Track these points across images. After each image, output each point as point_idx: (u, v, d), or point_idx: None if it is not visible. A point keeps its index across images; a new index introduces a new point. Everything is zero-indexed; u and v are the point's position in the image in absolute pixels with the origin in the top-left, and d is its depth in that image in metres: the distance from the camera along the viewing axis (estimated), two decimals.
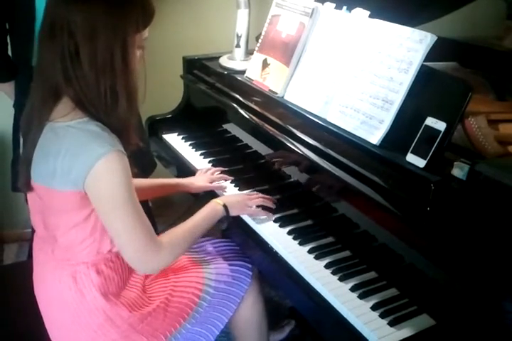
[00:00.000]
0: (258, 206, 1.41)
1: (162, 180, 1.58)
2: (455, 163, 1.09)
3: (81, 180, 1.08)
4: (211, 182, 1.57)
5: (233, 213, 1.38)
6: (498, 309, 0.95)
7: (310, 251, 1.27)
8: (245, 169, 1.66)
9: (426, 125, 1.14)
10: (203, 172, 1.62)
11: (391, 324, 1.06)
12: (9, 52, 1.82)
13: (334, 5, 1.47)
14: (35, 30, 1.67)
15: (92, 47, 1.05)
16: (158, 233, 1.22)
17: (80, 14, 1.04)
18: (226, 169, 1.64)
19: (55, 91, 1.11)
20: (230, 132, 1.78)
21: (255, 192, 1.48)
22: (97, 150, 1.06)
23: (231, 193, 1.53)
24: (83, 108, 1.10)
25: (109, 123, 1.11)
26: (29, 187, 1.18)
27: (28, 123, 1.17)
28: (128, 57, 1.09)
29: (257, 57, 1.65)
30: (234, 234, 1.50)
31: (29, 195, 1.23)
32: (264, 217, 1.40)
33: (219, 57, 1.88)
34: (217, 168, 1.64)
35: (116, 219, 1.11)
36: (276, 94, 1.54)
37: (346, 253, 1.28)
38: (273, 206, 1.43)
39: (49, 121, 1.12)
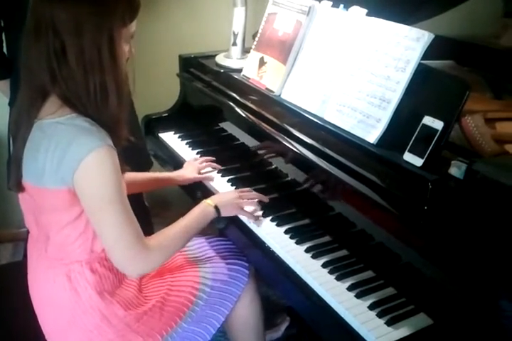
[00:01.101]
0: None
1: (152, 174, 1.60)
2: (452, 161, 1.09)
3: (70, 175, 1.06)
4: (199, 172, 1.59)
5: (225, 214, 1.35)
6: (495, 308, 0.94)
7: (307, 250, 1.27)
8: (242, 168, 1.66)
9: (423, 124, 1.13)
10: (190, 163, 1.64)
11: (388, 323, 1.06)
12: (4, 50, 1.81)
13: (331, 3, 1.46)
14: None
15: (79, 44, 1.04)
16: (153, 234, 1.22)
17: (64, 11, 1.02)
18: (214, 159, 1.67)
19: (42, 90, 1.10)
20: (226, 131, 1.77)
21: (247, 189, 1.46)
22: (86, 144, 1.05)
23: (223, 191, 1.51)
24: (71, 105, 1.09)
25: (98, 119, 1.10)
26: (20, 187, 1.17)
27: (17, 123, 1.16)
28: (115, 52, 1.08)
29: (254, 56, 1.65)
30: (231, 232, 1.49)
31: (20, 195, 1.22)
32: (258, 217, 1.39)
33: (215, 55, 1.87)
34: (205, 158, 1.66)
35: (103, 216, 1.09)
36: (273, 92, 1.54)
37: (343, 252, 1.27)
38: (260, 210, 1.40)
39: (37, 119, 1.11)
